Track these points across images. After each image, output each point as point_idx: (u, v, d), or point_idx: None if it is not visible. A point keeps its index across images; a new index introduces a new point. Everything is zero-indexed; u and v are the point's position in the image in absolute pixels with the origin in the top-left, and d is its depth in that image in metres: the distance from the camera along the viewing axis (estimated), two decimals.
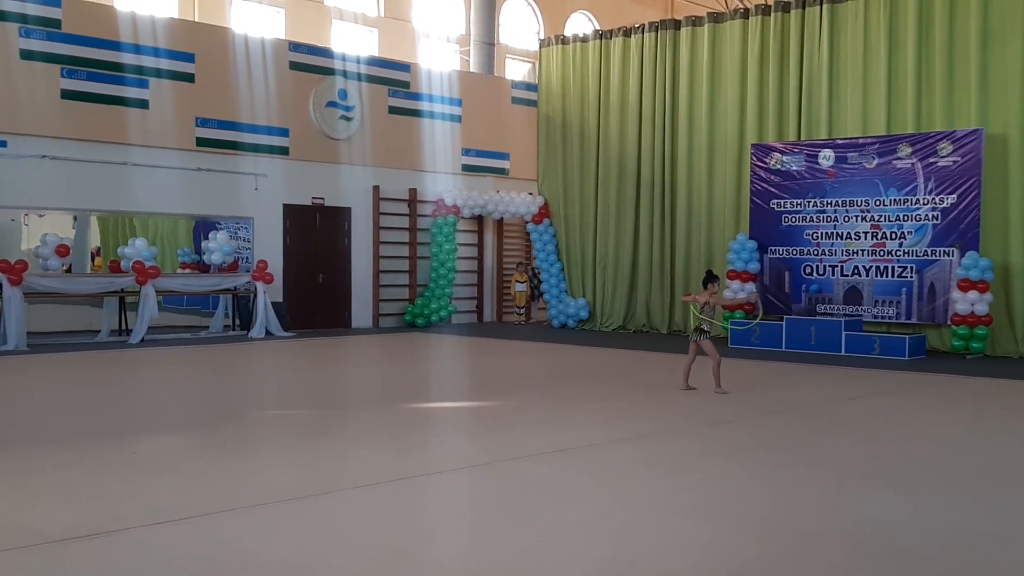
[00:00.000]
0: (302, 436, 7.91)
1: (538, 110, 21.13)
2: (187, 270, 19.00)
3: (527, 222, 20.79)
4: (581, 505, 5.69)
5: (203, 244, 17.97)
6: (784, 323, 15.52)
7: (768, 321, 15.92)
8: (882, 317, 15.45)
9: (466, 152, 21.04)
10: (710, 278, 10.88)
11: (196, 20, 22.81)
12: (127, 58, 16.30)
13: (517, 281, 21.16)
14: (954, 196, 14.68)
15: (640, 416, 8.92)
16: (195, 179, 17.13)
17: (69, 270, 16.44)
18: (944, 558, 4.68)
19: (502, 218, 21.10)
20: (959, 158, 14.60)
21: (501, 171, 21.72)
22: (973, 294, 14.08)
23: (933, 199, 14.90)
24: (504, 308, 21.74)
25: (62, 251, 15.75)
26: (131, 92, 16.36)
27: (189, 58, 17.02)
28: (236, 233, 18.51)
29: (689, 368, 10.71)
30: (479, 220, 21.25)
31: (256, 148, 17.83)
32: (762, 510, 5.60)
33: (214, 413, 9.19)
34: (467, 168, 21.07)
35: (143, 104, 16.51)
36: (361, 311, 19.38)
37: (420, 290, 19.94)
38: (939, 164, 14.80)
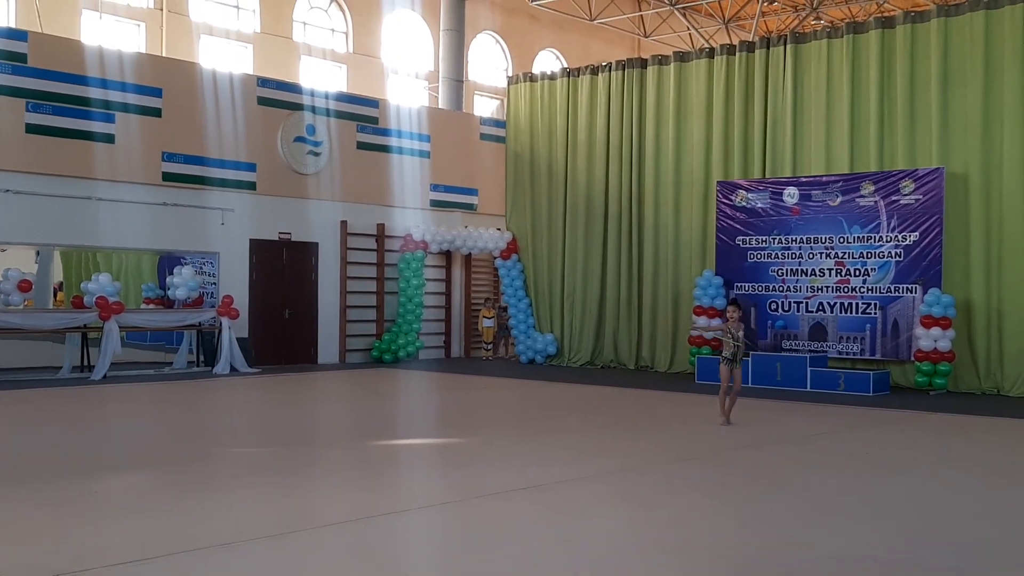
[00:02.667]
0: (268, 474, 7.82)
1: (506, 146, 21.23)
2: (151, 305, 18.81)
3: (495, 257, 20.82)
4: (550, 542, 5.66)
5: (168, 279, 17.80)
6: (750, 359, 15.58)
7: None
8: (847, 353, 15.58)
9: (434, 187, 21.07)
10: (737, 306, 11.11)
11: (164, 55, 22.76)
12: (94, 92, 16.20)
13: (484, 317, 21.14)
14: (916, 233, 14.89)
15: (609, 452, 8.91)
16: (161, 214, 17.00)
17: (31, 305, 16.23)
18: None
19: (470, 253, 21.12)
20: (921, 196, 14.82)
21: (469, 207, 21.76)
22: (936, 330, 14.24)
23: (896, 236, 15.10)
24: (472, 344, 21.71)
25: (24, 286, 15.53)
26: (97, 126, 16.25)
27: (156, 92, 16.96)
28: (201, 268, 18.37)
29: (724, 397, 10.71)
30: (447, 255, 21.26)
31: (223, 183, 17.75)
32: (730, 546, 5.60)
33: (178, 451, 9.07)
34: (435, 203, 21.09)
35: (109, 139, 16.41)
36: (328, 347, 19.26)
37: (387, 325, 19.86)
38: (901, 202, 15.01)
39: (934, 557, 5.33)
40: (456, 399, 14.08)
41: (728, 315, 11.09)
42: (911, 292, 14.92)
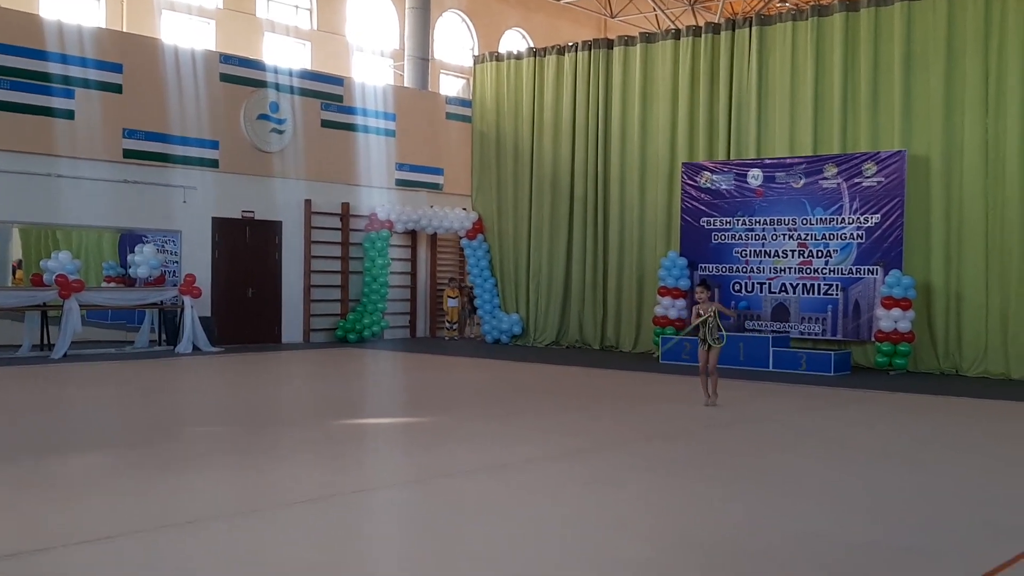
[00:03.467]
0: (232, 454, 7.78)
1: (472, 126, 21.16)
2: (112, 284, 18.60)
3: (461, 237, 20.78)
4: (515, 522, 5.68)
5: (129, 257, 17.60)
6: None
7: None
8: (808, 333, 15.74)
9: (400, 167, 20.97)
10: (707, 287, 11.08)
11: (124, 30, 22.41)
12: (53, 68, 15.93)
13: (449, 297, 21.13)
14: (878, 216, 15.04)
15: (574, 432, 8.95)
16: (122, 191, 16.78)
17: None
18: (865, 571, 4.76)
19: (436, 233, 21.06)
20: (883, 179, 14.97)
21: (435, 186, 21.68)
22: (896, 311, 14.43)
23: (858, 218, 15.24)
24: (438, 324, 21.68)
25: None
26: (57, 102, 16.00)
27: (117, 68, 16.71)
28: (163, 246, 18.18)
29: (704, 379, 10.73)
30: (413, 235, 21.18)
31: (185, 160, 17.55)
32: (694, 526, 5.66)
33: (140, 430, 8.99)
34: (401, 183, 20.99)
35: (69, 115, 16.15)
36: (292, 326, 19.16)
37: (352, 305, 19.79)
38: (864, 184, 15.15)
39: (896, 536, 5.41)
40: (422, 379, 14.07)
41: (697, 296, 11.11)
42: (872, 273, 15.08)
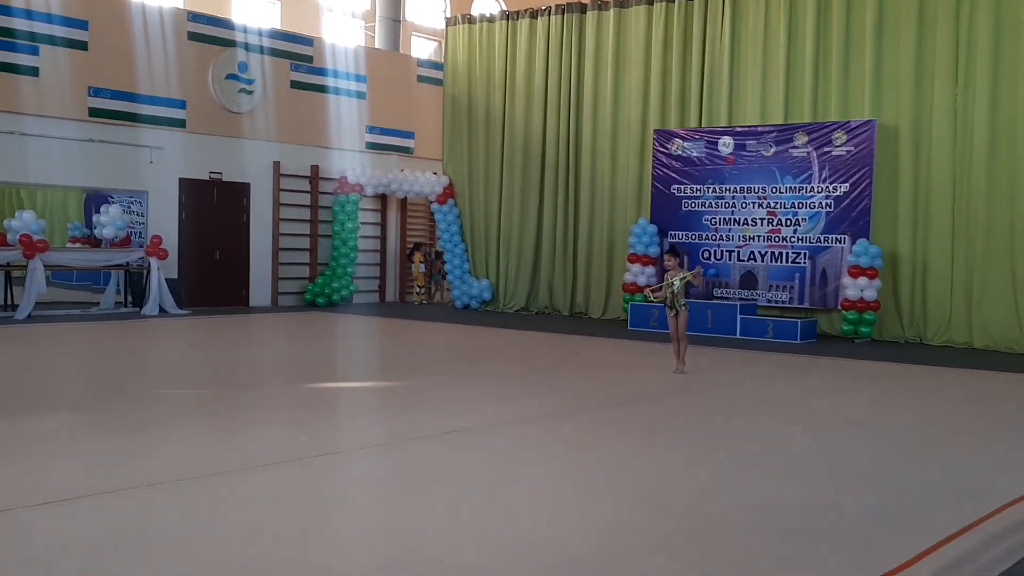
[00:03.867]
0: (198, 416, 7.74)
1: (444, 89, 21.00)
2: (77, 244, 18.39)
3: (431, 202, 20.68)
4: (481, 484, 5.70)
5: (94, 218, 17.39)
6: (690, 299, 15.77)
7: (665, 305, 16.17)
8: (776, 301, 15.85)
9: (370, 130, 20.81)
10: (675, 253, 11.03)
11: None
12: (17, 23, 15.64)
13: (418, 262, 21.10)
14: (847, 185, 15.12)
15: (542, 396, 8.98)
16: (87, 150, 16.55)
17: None
18: (827, 534, 4.82)
19: (406, 197, 20.96)
20: (852, 148, 15.03)
21: (406, 150, 21.55)
22: (863, 280, 14.55)
23: (827, 187, 15.31)
24: (407, 288, 21.64)
25: None
26: (21, 59, 15.71)
27: (82, 25, 16.41)
28: (129, 207, 17.97)
29: (676, 345, 10.74)
30: (383, 199, 21.07)
31: (152, 120, 17.32)
32: (657, 490, 5.70)
33: (105, 392, 8.93)
34: (371, 146, 20.85)
35: (33, 72, 15.87)
36: (260, 289, 19.04)
37: (321, 269, 19.69)
38: (833, 153, 15.21)
39: (856, 500, 5.47)
40: (391, 343, 14.05)
41: (666, 264, 11.13)
42: (840, 242, 15.18)
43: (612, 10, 18.21)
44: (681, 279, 10.65)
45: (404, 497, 5.42)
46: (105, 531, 4.57)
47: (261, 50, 18.87)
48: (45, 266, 15.63)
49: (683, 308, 10.68)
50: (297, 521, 4.84)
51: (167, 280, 16.95)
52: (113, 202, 17.59)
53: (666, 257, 11.18)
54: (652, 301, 10.98)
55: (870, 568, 4.27)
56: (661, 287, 10.91)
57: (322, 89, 19.92)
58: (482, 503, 5.27)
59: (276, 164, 19.06)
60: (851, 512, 5.21)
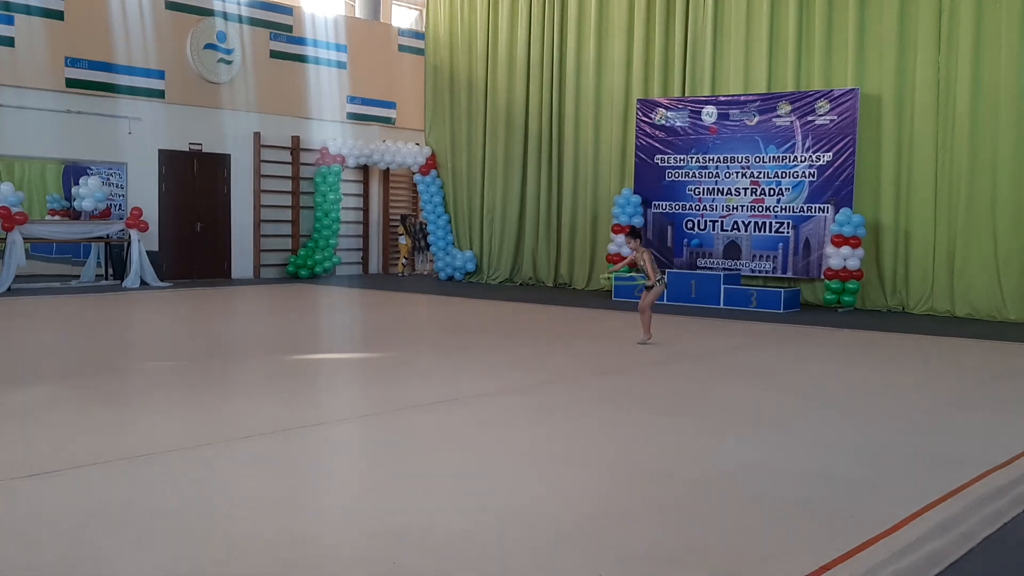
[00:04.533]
0: (181, 388, 7.70)
1: (426, 59, 20.84)
2: (56, 217, 18.21)
3: (414, 173, 20.57)
4: (466, 454, 5.70)
5: (73, 190, 17.22)
6: (665, 276, 15.77)
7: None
8: (759, 271, 15.88)
9: (352, 100, 20.65)
10: (634, 235, 10.93)
11: None
12: None
13: (400, 233, 21.05)
14: (830, 154, 15.12)
15: (525, 367, 8.97)
16: (65, 121, 16.36)
17: None
18: (811, 502, 4.84)
19: (388, 168, 20.85)
20: (835, 117, 15.02)
21: (388, 120, 21.41)
22: (846, 249, 14.58)
23: (810, 157, 15.31)
24: (390, 260, 21.57)
25: None
26: None
27: None
28: (108, 179, 17.79)
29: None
30: (365, 170, 20.95)
31: (131, 91, 17.13)
32: (644, 458, 5.71)
33: (87, 364, 8.87)
34: (353, 116, 20.70)
35: (8, 42, 15.65)
36: (242, 261, 18.94)
37: (304, 240, 19.59)
38: (817, 123, 15.20)
39: (841, 468, 5.50)
40: (374, 315, 14.01)
41: (628, 245, 11.10)
42: (823, 212, 15.20)
43: None
44: (645, 259, 10.64)
45: (391, 467, 5.41)
46: (90, 503, 4.54)
47: (240, 19, 18.66)
48: (24, 239, 15.48)
49: (660, 282, 10.66)
50: (284, 492, 4.82)
51: (148, 252, 16.83)
52: (92, 174, 17.40)
53: (626, 239, 11.17)
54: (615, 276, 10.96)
55: (854, 534, 4.29)
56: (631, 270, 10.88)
57: (302, 59, 19.74)
58: (469, 472, 5.27)
59: (257, 135, 18.91)
60: (835, 479, 5.23)
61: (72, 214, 17.56)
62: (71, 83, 16.36)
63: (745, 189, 15.95)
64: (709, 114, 16.25)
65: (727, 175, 16.12)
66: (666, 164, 16.71)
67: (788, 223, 15.56)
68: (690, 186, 16.48)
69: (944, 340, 11.73)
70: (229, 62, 18.47)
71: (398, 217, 21.35)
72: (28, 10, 15.82)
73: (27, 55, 15.85)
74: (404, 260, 21.07)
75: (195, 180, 18.26)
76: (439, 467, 5.37)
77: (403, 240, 21.03)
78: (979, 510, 4.73)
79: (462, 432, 6.29)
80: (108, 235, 16.74)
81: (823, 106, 15.10)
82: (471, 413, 6.86)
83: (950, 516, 4.61)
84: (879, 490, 5.05)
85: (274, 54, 19.26)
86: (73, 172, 18.26)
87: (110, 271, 17.20)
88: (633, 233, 11.07)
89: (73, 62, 16.37)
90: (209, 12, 18.17)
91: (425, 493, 4.83)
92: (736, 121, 15.98)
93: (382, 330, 12.29)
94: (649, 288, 10.65)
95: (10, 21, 15.62)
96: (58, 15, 16.18)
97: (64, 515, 4.37)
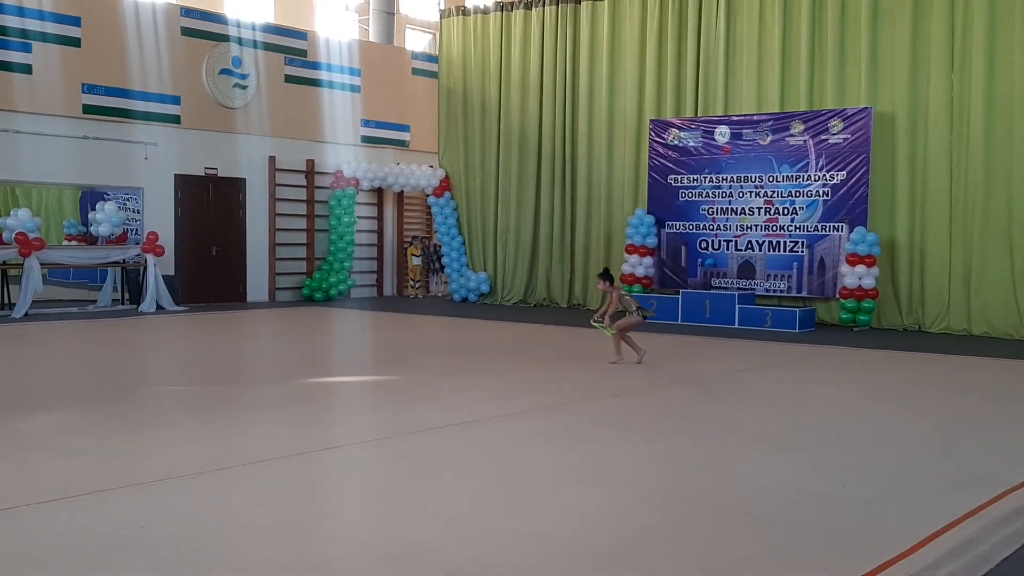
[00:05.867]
0: (196, 412, 7.72)
1: (439, 82, 20.94)
2: (73, 242, 18.35)
3: (428, 195, 20.63)
4: (479, 477, 5.69)
5: (90, 215, 17.35)
6: (680, 296, 15.78)
7: (664, 295, 16.22)
8: (774, 290, 15.83)
9: (366, 123, 20.76)
10: (607, 277, 10.87)
11: None
12: (9, 21, 15.58)
13: (412, 255, 21.08)
14: (844, 173, 15.09)
15: (539, 389, 8.96)
16: (82, 147, 16.50)
17: None
18: (830, 523, 4.81)
19: (402, 191, 20.92)
20: (849, 135, 15.00)
21: (402, 143, 21.50)
22: (861, 268, 14.53)
23: (824, 175, 15.29)
24: (404, 282, 21.61)
25: None
26: (14, 56, 15.65)
27: (75, 22, 16.34)
28: (125, 204, 17.93)
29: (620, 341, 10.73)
30: (379, 193, 21.03)
31: (146, 116, 17.27)
32: (659, 480, 5.69)
33: (103, 390, 8.90)
34: (367, 139, 20.80)
35: (26, 69, 15.81)
36: (257, 285, 19.00)
37: (318, 263, 19.66)
38: (830, 141, 15.19)
39: (857, 488, 5.46)
40: (388, 337, 14.03)
41: (600, 288, 11.00)
42: (837, 230, 15.17)
43: (606, 0, 18.15)
44: (617, 298, 10.59)
45: (406, 491, 5.40)
46: (105, 529, 4.55)
47: (255, 44, 18.81)
48: (41, 264, 15.58)
49: (636, 313, 10.58)
50: (298, 516, 4.82)
51: (164, 277, 16.91)
52: (109, 199, 17.54)
53: (598, 282, 11.10)
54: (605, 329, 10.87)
55: (871, 556, 4.26)
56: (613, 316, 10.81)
57: (316, 83, 19.86)
58: (481, 496, 5.26)
59: (271, 159, 19.02)
60: (852, 499, 5.20)
61: (89, 239, 17.68)
62: (88, 109, 16.51)
63: (759, 208, 15.93)
64: (722, 134, 16.26)
65: (741, 194, 16.11)
66: (679, 184, 16.71)
67: (802, 242, 15.52)
68: (704, 206, 16.47)
69: (961, 359, 11.66)
70: (244, 87, 18.61)
71: (410, 238, 21.39)
72: (45, 38, 15.99)
73: (44, 82, 16.01)
74: (414, 282, 21.08)
75: (211, 204, 18.37)
76: (453, 490, 5.36)
77: (416, 261, 21.05)
78: (997, 531, 4.69)
79: (476, 455, 6.28)
80: (124, 260, 16.84)
81: (836, 125, 15.09)
82: (485, 436, 6.85)
83: (968, 537, 4.57)
84: (896, 511, 5.01)
85: (289, 79, 19.40)
86: (90, 197, 18.41)
87: (126, 296, 17.29)
88: (603, 275, 10.95)
89: (90, 88, 16.53)
90: (224, 38, 18.32)
91: (439, 517, 4.82)
92: (749, 140, 15.98)
93: (396, 352, 12.31)
94: (630, 313, 10.61)
95: (28, 48, 15.79)
96: (75, 42, 16.35)
97: (80, 541, 4.38)
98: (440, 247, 20.59)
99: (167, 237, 17.35)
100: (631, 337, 10.74)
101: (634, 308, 10.61)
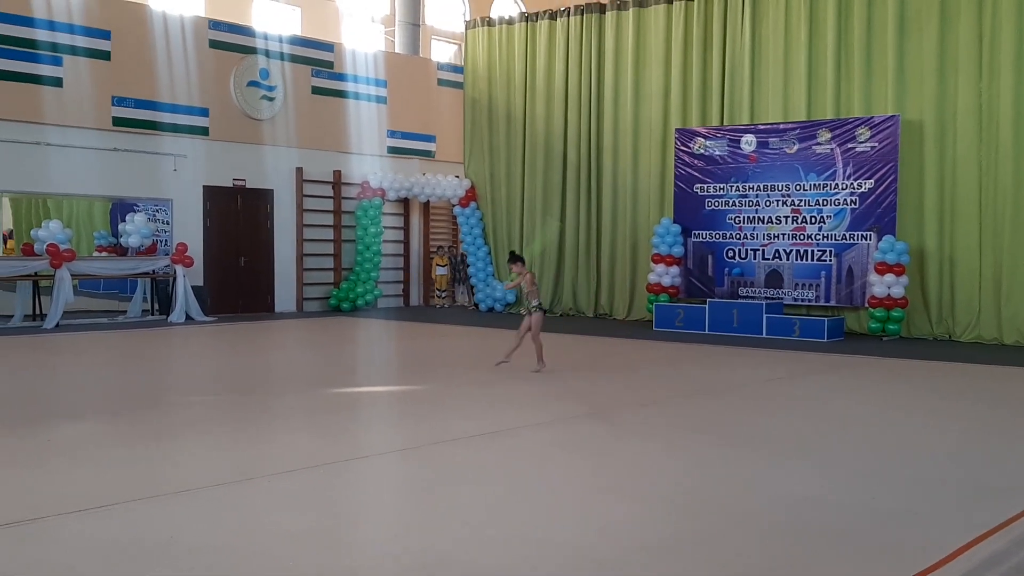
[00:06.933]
0: (225, 422, 7.77)
1: (464, 92, 21.02)
2: (103, 253, 18.53)
3: (454, 205, 20.69)
4: (505, 487, 5.69)
5: (120, 226, 17.52)
6: (707, 306, 15.71)
7: (692, 304, 16.16)
8: (802, 300, 15.74)
9: (392, 134, 20.85)
10: (513, 259, 11.07)
11: None
12: (40, 34, 15.78)
13: (438, 264, 21.11)
14: (871, 181, 14.99)
15: (565, 398, 8.95)
16: (112, 159, 16.67)
17: None
18: (858, 534, 4.77)
19: (428, 201, 20.98)
20: (876, 144, 14.90)
21: (427, 153, 21.58)
22: (889, 277, 14.42)
23: (851, 184, 15.20)
24: (431, 292, 21.65)
25: None
26: (44, 70, 15.85)
27: (105, 35, 16.54)
28: (154, 215, 18.10)
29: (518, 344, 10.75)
30: (405, 203, 21.10)
31: (175, 128, 17.43)
32: (685, 489, 5.67)
33: (133, 399, 8.98)
34: (393, 150, 20.88)
35: (57, 82, 16.01)
36: (285, 295, 19.11)
37: (345, 274, 19.74)
38: (857, 149, 15.09)
39: (887, 499, 5.42)
40: (415, 347, 14.06)
41: (520, 272, 11.03)
42: (865, 239, 15.06)
43: (631, 10, 18.16)
44: (528, 281, 10.69)
45: (431, 501, 5.41)
46: (134, 538, 4.58)
47: (282, 56, 18.95)
48: (72, 275, 15.75)
49: (534, 310, 10.59)
50: (323, 526, 4.84)
51: (193, 287, 17.04)
52: (138, 210, 17.71)
53: (510, 266, 11.23)
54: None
55: (899, 568, 4.22)
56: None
57: (343, 94, 19.98)
58: (506, 506, 5.26)
59: (299, 170, 19.14)
60: (881, 510, 5.16)
61: (119, 250, 17.85)
62: (117, 122, 16.69)
63: (786, 217, 15.85)
64: (748, 142, 16.20)
65: (767, 203, 16.04)
66: (706, 193, 16.66)
67: (830, 251, 15.43)
68: (730, 215, 16.41)
69: (991, 368, 11.53)
70: (272, 99, 18.74)
71: (435, 248, 21.42)
72: (75, 51, 16.19)
73: (75, 95, 16.19)
74: (440, 292, 21.09)
75: (239, 215, 18.50)
76: (478, 500, 5.36)
77: (441, 271, 21.07)
78: None
79: (501, 465, 6.28)
80: (154, 271, 16.99)
81: (863, 133, 15.00)
82: (511, 446, 6.85)
83: (998, 550, 4.52)
84: (925, 522, 4.97)
85: (315, 90, 19.52)
86: (120, 209, 18.59)
87: (156, 306, 17.44)
88: (517, 259, 11.09)
89: (119, 101, 16.71)
90: (252, 50, 18.48)
91: (464, 526, 4.83)
92: (776, 149, 15.92)
93: (422, 363, 12.33)
94: (530, 312, 10.61)
95: (58, 62, 15.99)
96: (105, 55, 16.54)
97: (109, 550, 4.42)
98: (466, 257, 20.63)
99: (196, 248, 17.48)
100: (539, 344, 10.67)
101: (535, 303, 10.59)
